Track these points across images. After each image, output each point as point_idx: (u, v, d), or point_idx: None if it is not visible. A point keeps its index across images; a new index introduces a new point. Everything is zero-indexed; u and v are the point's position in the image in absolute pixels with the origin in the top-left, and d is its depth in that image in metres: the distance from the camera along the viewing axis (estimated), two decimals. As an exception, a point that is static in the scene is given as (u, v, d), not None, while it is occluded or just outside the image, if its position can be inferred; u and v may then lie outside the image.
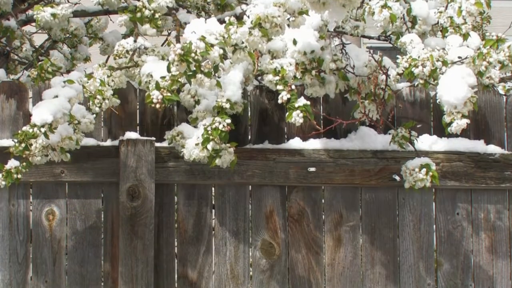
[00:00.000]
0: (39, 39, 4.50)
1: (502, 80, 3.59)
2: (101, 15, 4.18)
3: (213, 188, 3.27)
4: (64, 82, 2.99)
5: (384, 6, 3.20)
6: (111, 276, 3.21)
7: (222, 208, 3.26)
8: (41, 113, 2.83)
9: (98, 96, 3.03)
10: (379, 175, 3.25)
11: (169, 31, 4.04)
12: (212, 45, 2.67)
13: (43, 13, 3.58)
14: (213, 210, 3.27)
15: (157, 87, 2.68)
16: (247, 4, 3.59)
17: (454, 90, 2.87)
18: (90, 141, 3.19)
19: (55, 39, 4.10)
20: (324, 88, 3.11)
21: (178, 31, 3.38)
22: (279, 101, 2.87)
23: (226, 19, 2.73)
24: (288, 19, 2.69)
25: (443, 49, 3.09)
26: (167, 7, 3.31)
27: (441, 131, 3.26)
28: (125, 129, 3.24)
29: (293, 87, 2.87)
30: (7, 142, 3.14)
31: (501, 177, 3.29)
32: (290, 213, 3.27)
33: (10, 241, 3.19)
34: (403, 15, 3.26)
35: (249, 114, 3.30)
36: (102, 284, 3.22)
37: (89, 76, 3.07)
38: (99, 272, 3.22)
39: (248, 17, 2.70)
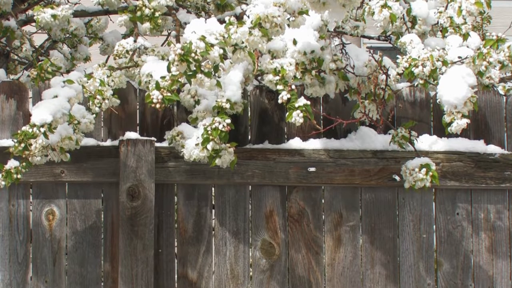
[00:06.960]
0: (39, 39, 4.50)
1: (502, 80, 3.59)
2: (101, 15, 4.18)
3: (213, 188, 3.27)
4: (64, 82, 2.99)
5: (384, 6, 3.20)
6: (111, 276, 3.21)
7: (222, 208, 3.26)
8: (40, 113, 2.83)
9: (98, 96, 3.03)
10: (379, 175, 3.25)
11: (169, 31, 4.05)
12: (212, 45, 2.67)
13: (43, 14, 3.58)
14: (213, 210, 3.27)
15: (157, 87, 2.68)
16: (247, 4, 3.59)
17: (454, 90, 2.87)
18: (90, 141, 3.19)
19: (55, 39, 4.10)
20: (324, 88, 3.11)
21: (178, 31, 3.38)
22: (279, 101, 2.87)
23: (226, 19, 2.73)
24: (288, 19, 2.69)
25: (443, 49, 3.09)
26: (167, 6, 3.31)
27: (441, 131, 3.26)
28: (125, 129, 3.24)
29: (293, 87, 2.87)
30: (7, 142, 3.14)
31: (501, 177, 3.28)
32: (290, 213, 3.27)
33: (10, 241, 3.19)
34: (403, 15, 3.26)
35: (249, 114, 3.30)
36: (102, 284, 3.22)
37: (89, 76, 3.08)
38: (99, 272, 3.21)
39: (248, 17, 2.70)
